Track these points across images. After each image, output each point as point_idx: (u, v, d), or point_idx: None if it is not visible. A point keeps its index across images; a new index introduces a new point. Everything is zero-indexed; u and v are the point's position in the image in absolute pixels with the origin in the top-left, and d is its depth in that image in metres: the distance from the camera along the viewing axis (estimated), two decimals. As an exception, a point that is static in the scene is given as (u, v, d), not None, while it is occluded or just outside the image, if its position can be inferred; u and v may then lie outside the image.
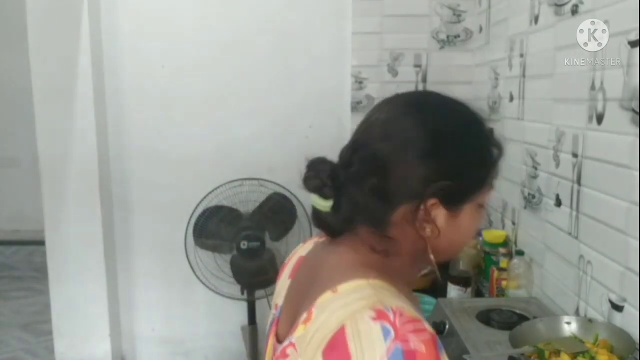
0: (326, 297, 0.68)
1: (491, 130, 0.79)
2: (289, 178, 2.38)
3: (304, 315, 0.69)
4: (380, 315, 0.62)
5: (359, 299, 0.65)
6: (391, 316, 0.62)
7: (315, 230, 0.81)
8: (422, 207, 0.71)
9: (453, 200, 0.73)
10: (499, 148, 0.78)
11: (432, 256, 0.74)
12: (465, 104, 0.79)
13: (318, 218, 0.76)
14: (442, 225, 0.73)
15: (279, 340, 0.78)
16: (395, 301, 0.65)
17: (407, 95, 0.80)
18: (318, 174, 0.74)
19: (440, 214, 0.72)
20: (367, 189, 0.71)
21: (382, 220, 0.72)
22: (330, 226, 0.76)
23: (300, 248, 0.90)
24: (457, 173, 0.72)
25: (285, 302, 0.82)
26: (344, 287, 0.68)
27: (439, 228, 0.72)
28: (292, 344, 0.69)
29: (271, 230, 2.34)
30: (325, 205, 0.74)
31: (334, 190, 0.73)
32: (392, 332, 0.60)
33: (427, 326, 0.63)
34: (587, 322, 1.29)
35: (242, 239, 2.27)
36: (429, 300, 1.75)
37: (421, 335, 0.61)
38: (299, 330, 0.69)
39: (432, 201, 0.71)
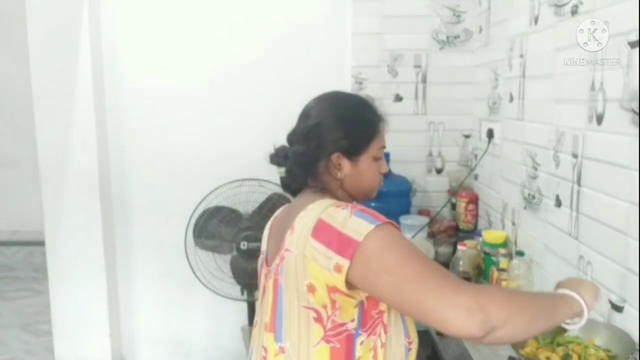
0: (301, 214, 1.04)
1: (372, 108, 1.18)
2: (289, 178, 2.39)
3: (288, 231, 1.05)
4: (340, 206, 1.02)
5: (323, 203, 1.04)
6: (347, 205, 1.02)
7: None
8: (330, 158, 1.11)
9: (351, 152, 1.12)
10: (378, 117, 1.17)
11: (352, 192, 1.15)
12: (356, 94, 1.22)
13: (282, 182, 1.19)
14: (349, 171, 1.13)
15: (269, 264, 1.13)
16: (345, 204, 1.05)
17: (321, 94, 1.20)
18: (277, 152, 1.18)
19: (345, 163, 1.12)
20: (300, 154, 1.13)
21: (312, 172, 1.13)
22: (290, 186, 1.18)
23: (275, 214, 1.28)
24: (350, 135, 1.12)
25: (268, 244, 1.19)
26: (312, 205, 1.05)
27: (345, 173, 1.12)
28: (286, 250, 1.03)
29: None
30: (281, 171, 1.17)
31: (284, 160, 1.16)
32: (348, 207, 1.01)
33: (369, 210, 1.01)
34: (587, 323, 1.29)
35: (242, 240, 2.28)
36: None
37: (367, 210, 1.00)
38: (287, 240, 1.04)
39: (336, 154, 1.11)
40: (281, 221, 1.16)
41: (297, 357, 1.02)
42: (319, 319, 1.00)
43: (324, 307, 0.99)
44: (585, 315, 1.01)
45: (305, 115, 1.17)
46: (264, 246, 1.23)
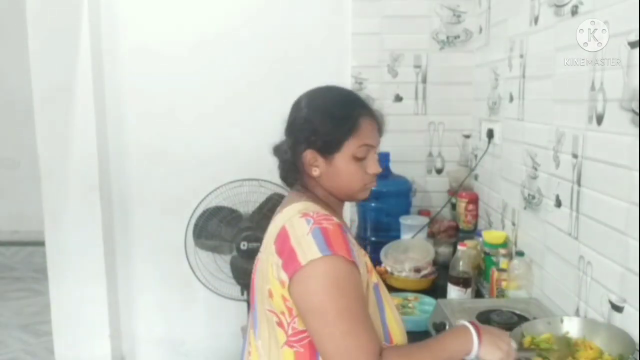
0: (278, 217, 1.08)
1: (352, 102, 1.13)
2: (289, 179, 2.38)
3: (267, 233, 1.09)
4: (304, 215, 1.03)
5: (293, 210, 1.06)
6: (311, 214, 1.02)
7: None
8: (302, 155, 1.10)
9: (324, 150, 1.09)
10: (359, 112, 1.10)
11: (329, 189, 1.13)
12: (341, 88, 1.19)
13: (280, 176, 1.20)
14: (324, 169, 1.10)
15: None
16: (317, 208, 1.07)
17: (312, 88, 1.18)
18: (277, 145, 1.19)
19: (320, 161, 1.10)
20: (283, 150, 1.15)
21: (293, 168, 1.13)
22: (285, 179, 1.19)
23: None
24: (320, 131, 1.09)
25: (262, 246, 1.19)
26: (286, 208, 1.08)
27: (320, 171, 1.10)
28: (260, 251, 1.10)
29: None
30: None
31: (277, 152, 1.18)
32: (312, 220, 1.01)
33: (336, 219, 1.03)
34: (587, 323, 1.29)
35: (242, 240, 2.28)
36: (429, 301, 1.75)
37: (330, 221, 1.01)
38: (264, 242, 1.09)
39: (309, 151, 1.09)
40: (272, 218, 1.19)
41: (268, 357, 1.06)
42: (280, 324, 1.03)
43: (282, 313, 1.02)
44: (474, 347, 1.03)
45: (291, 109, 1.18)
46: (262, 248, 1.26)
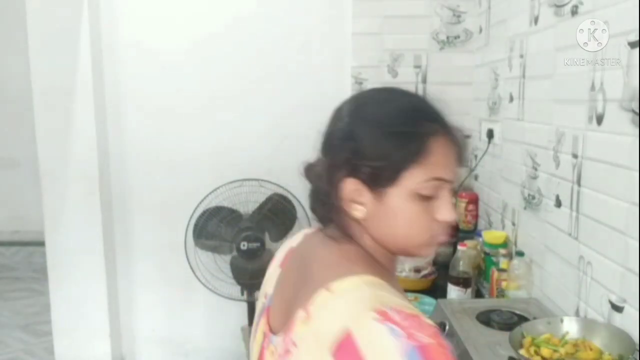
0: (322, 296, 0.71)
1: (422, 113, 0.77)
2: (289, 179, 2.38)
3: (302, 314, 0.72)
4: (383, 317, 0.64)
5: (357, 300, 0.68)
6: (393, 316, 0.64)
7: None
8: (340, 184, 0.75)
9: (373, 181, 0.74)
10: (429, 130, 0.75)
11: (376, 237, 0.77)
12: (402, 91, 0.81)
13: (311, 205, 0.85)
14: (371, 208, 0.75)
15: (272, 331, 0.81)
16: (391, 298, 0.68)
17: (356, 93, 0.86)
18: (309, 164, 0.83)
19: (366, 197, 0.75)
20: (315, 173, 0.80)
21: (327, 201, 0.78)
22: (315, 210, 0.84)
23: (291, 239, 0.94)
24: (369, 152, 0.74)
25: (275, 291, 0.85)
26: (338, 286, 0.70)
27: (367, 211, 0.75)
28: (293, 343, 0.72)
29: (271, 231, 2.34)
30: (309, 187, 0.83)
31: (306, 174, 0.83)
32: (399, 331, 0.62)
33: (426, 319, 0.66)
34: (587, 323, 1.29)
35: (242, 240, 2.27)
36: (429, 301, 1.75)
37: (426, 330, 0.64)
38: (299, 328, 0.71)
39: (350, 180, 0.75)
40: (295, 269, 0.83)
41: None
42: None
43: None
44: None
45: (330, 118, 0.82)
46: (268, 288, 0.88)
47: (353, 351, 0.63)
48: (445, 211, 0.75)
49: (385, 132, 0.74)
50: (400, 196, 0.74)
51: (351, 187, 0.75)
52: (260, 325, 0.85)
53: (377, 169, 0.73)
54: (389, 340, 0.62)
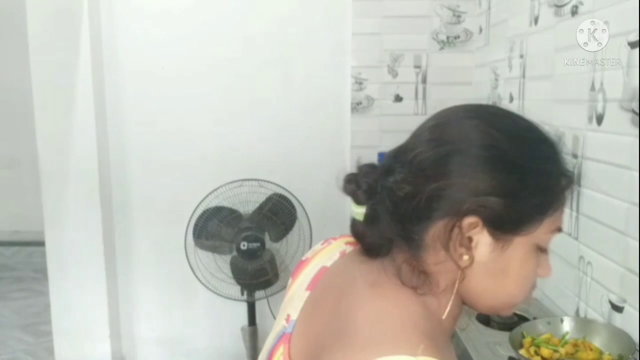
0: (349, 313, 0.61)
1: (559, 155, 0.66)
2: (289, 179, 2.39)
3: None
4: None
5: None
6: None
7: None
8: (460, 223, 0.60)
9: (501, 225, 0.60)
10: (569, 179, 0.65)
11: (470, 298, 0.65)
12: (534, 122, 0.68)
13: (355, 229, 0.68)
14: (483, 256, 0.61)
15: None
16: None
17: (468, 104, 0.71)
18: (357, 177, 0.66)
19: (482, 240, 0.61)
20: (401, 197, 0.62)
21: (414, 239, 0.62)
22: (366, 240, 0.67)
23: (322, 253, 0.78)
24: (512, 192, 0.60)
25: (301, 317, 0.71)
26: (380, 330, 0.58)
27: (479, 257, 0.61)
28: None
29: (271, 231, 2.34)
30: (358, 212, 0.66)
31: (367, 196, 0.64)
32: None
33: None
34: (587, 323, 1.29)
35: (242, 240, 2.27)
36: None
37: None
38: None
39: (471, 219, 0.60)
40: (329, 299, 0.68)
41: None
42: None
43: None
44: None
45: (430, 130, 0.67)
46: (292, 311, 0.73)
47: None
48: (547, 266, 0.66)
49: (530, 172, 0.62)
50: (526, 247, 0.62)
51: (470, 227, 0.60)
52: (278, 353, 0.71)
53: (515, 211, 0.60)
54: None
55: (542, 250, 0.65)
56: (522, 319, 1.45)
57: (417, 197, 0.61)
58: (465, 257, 0.61)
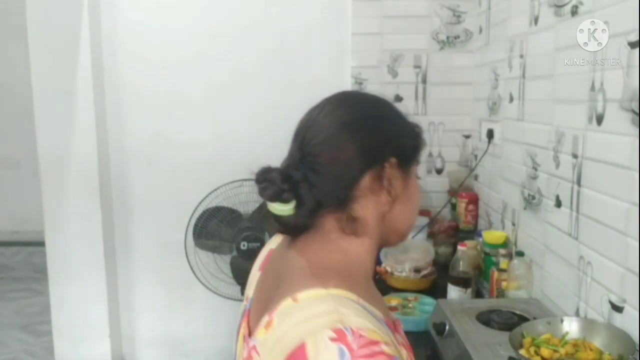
0: (287, 304, 0.69)
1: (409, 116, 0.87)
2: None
3: (266, 319, 0.71)
4: (339, 337, 0.62)
5: (319, 315, 0.66)
6: (349, 337, 0.62)
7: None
8: (386, 166, 0.76)
9: (406, 161, 0.79)
10: (420, 127, 0.85)
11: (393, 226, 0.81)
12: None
13: (281, 223, 0.79)
14: (400, 189, 0.78)
15: (251, 334, 0.79)
16: (355, 319, 0.65)
17: (340, 92, 0.87)
18: (272, 182, 0.77)
19: (396, 177, 0.78)
20: (328, 171, 0.75)
21: (347, 197, 0.76)
22: (295, 226, 0.78)
23: (272, 240, 0.93)
24: (404, 135, 0.81)
25: (254, 294, 0.85)
26: (304, 296, 0.69)
27: (396, 193, 0.78)
28: (254, 348, 0.71)
29: (271, 231, 2.34)
30: (287, 209, 0.76)
31: (292, 192, 0.76)
32: (348, 355, 0.61)
33: (385, 348, 0.64)
34: (587, 323, 1.29)
35: (242, 240, 2.28)
36: (429, 302, 1.75)
37: (376, 358, 0.62)
38: (260, 333, 0.71)
39: (392, 160, 0.77)
40: (271, 274, 0.83)
41: None
42: None
43: None
44: None
45: (327, 116, 0.80)
46: (250, 291, 0.88)
47: None
48: (420, 187, 0.86)
49: (405, 123, 0.83)
50: (413, 177, 0.81)
51: (392, 167, 0.77)
52: (242, 328, 0.84)
53: (411, 149, 0.80)
54: None
55: (418, 177, 0.84)
56: (522, 319, 1.45)
57: (340, 164, 0.75)
58: (393, 193, 0.77)
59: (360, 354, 0.61)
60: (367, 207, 0.77)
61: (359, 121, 0.78)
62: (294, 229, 0.79)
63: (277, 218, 0.79)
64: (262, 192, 0.78)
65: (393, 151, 0.77)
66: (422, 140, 0.84)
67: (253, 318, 0.81)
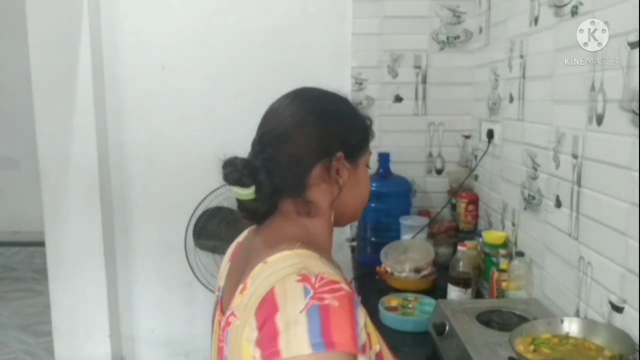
0: (258, 268, 0.79)
1: (361, 109, 0.98)
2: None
3: (240, 287, 0.81)
4: (303, 279, 0.73)
5: (287, 267, 0.76)
6: (312, 279, 0.73)
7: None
8: (333, 159, 0.87)
9: (352, 154, 0.91)
10: (370, 119, 0.97)
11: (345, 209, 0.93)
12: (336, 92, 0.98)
13: (244, 208, 0.90)
14: (347, 177, 0.90)
15: (224, 313, 0.87)
16: (318, 267, 0.77)
17: (299, 88, 0.98)
18: (235, 167, 0.86)
19: (344, 168, 0.89)
20: (284, 161, 0.86)
21: (301, 184, 0.87)
22: (257, 211, 0.89)
23: (240, 235, 1.04)
24: (352, 131, 0.92)
25: (225, 283, 0.94)
26: (273, 258, 0.79)
27: (344, 180, 0.89)
28: (232, 313, 0.79)
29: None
30: (247, 193, 0.86)
31: (251, 177, 0.85)
32: (311, 292, 0.71)
33: (344, 286, 0.74)
34: (587, 324, 1.29)
35: (242, 240, 2.27)
36: (429, 302, 1.75)
37: (336, 293, 0.72)
38: (237, 299, 0.80)
39: (339, 154, 0.88)
40: (241, 259, 0.92)
41: None
42: None
43: None
44: None
45: (284, 110, 0.92)
46: (220, 282, 0.97)
47: (271, 305, 0.72)
48: (369, 175, 0.98)
49: (356, 116, 0.94)
50: (363, 166, 0.94)
51: (340, 160, 0.88)
52: (216, 317, 0.94)
53: (356, 144, 0.92)
54: (300, 296, 0.71)
55: (367, 166, 0.97)
56: (522, 319, 1.45)
57: (295, 154, 0.86)
58: (340, 182, 0.89)
59: (322, 290, 0.72)
60: (319, 192, 0.88)
61: (311, 117, 0.89)
62: (256, 214, 0.90)
63: (241, 203, 0.89)
64: (225, 176, 0.87)
65: (340, 145, 0.89)
66: (371, 133, 0.96)
67: (226, 302, 0.89)
